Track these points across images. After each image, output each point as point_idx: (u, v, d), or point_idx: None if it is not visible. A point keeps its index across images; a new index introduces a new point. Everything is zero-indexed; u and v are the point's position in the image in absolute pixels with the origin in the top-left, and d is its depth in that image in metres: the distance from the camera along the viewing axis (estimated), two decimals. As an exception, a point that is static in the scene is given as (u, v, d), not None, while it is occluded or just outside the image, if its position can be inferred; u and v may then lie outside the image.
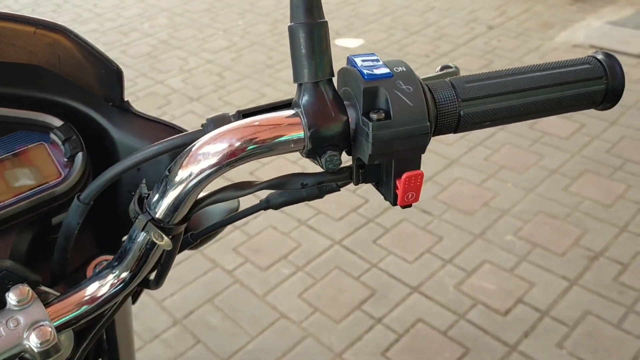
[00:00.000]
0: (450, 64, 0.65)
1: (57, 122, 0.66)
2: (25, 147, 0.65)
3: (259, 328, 2.08)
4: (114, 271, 0.56)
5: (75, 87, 0.68)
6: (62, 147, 0.66)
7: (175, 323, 2.11)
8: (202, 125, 0.55)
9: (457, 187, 2.66)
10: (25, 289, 0.54)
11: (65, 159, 0.65)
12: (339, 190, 0.57)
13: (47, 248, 0.66)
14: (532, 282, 2.17)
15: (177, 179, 0.50)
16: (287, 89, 3.52)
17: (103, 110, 0.67)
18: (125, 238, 0.73)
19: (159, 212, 0.51)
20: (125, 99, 0.67)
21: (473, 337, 2.00)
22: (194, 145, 0.50)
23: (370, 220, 2.50)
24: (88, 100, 0.68)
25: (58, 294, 0.59)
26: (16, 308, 0.53)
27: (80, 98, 0.68)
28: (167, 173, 0.51)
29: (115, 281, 0.56)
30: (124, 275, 0.56)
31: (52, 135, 0.66)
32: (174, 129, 0.66)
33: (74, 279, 0.63)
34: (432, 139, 0.50)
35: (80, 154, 0.65)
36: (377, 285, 2.20)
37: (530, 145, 2.88)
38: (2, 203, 0.62)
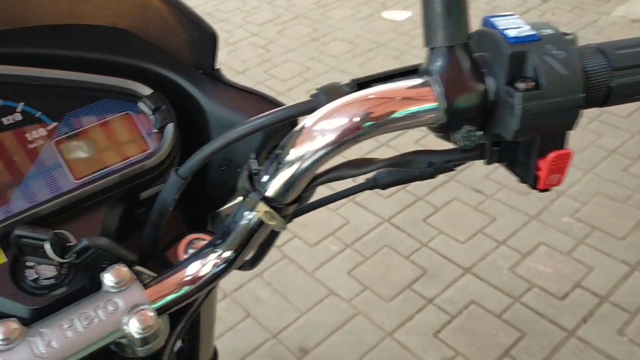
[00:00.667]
0: (567, 31, 0.59)
1: (146, 90, 0.62)
2: (112, 117, 0.62)
3: (308, 304, 2.06)
4: (216, 250, 0.53)
5: (163, 53, 0.64)
6: (151, 117, 0.62)
7: (225, 296, 2.11)
8: (311, 96, 0.50)
9: (511, 166, 2.57)
10: (123, 269, 0.52)
11: (155, 130, 0.62)
12: (454, 169, 0.53)
13: (132, 225, 0.63)
14: (590, 266, 2.10)
15: (291, 156, 0.46)
16: (334, 63, 3.45)
17: (192, 78, 0.63)
18: (211, 215, 0.70)
19: (271, 191, 0.47)
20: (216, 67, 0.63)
21: (529, 320, 1.94)
22: (310, 119, 0.46)
23: (420, 199, 2.44)
24: (176, 67, 0.63)
25: (154, 274, 0.56)
26: (114, 290, 0.51)
27: (169, 65, 0.63)
28: (280, 150, 0.47)
29: (218, 261, 0.52)
30: (226, 254, 0.52)
31: (140, 104, 0.62)
32: (267, 100, 0.62)
33: (164, 258, 0.60)
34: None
35: (170, 125, 0.62)
36: (427, 264, 2.16)
37: (587, 123, 2.76)
38: (90, 176, 0.59)
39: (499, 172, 2.53)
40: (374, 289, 2.09)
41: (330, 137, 0.44)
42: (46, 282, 0.54)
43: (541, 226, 2.26)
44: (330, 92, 0.49)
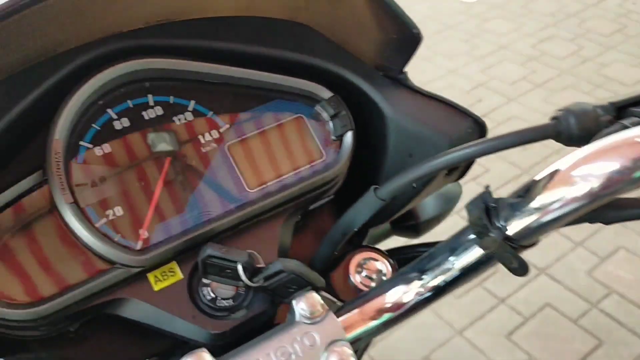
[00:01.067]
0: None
1: (326, 93, 0.56)
2: (284, 120, 0.56)
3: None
4: (422, 278, 0.47)
5: (345, 52, 0.57)
6: (328, 123, 0.56)
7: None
8: (553, 118, 0.43)
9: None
10: (315, 298, 0.46)
11: (334, 137, 0.56)
12: None
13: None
14: (674, 275, 1.99)
15: (546, 199, 0.39)
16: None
17: (375, 82, 0.56)
18: (373, 231, 0.65)
19: (512, 231, 0.41)
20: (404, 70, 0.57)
21: (607, 328, 1.86)
22: (574, 157, 0.39)
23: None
24: (359, 68, 0.57)
25: (336, 300, 0.51)
26: (308, 322, 0.46)
27: (350, 66, 0.57)
28: (529, 188, 0.40)
29: (422, 290, 0.47)
30: (434, 283, 0.46)
31: (318, 108, 0.56)
32: (458, 110, 0.55)
33: (328, 279, 0.55)
34: None
35: (349, 134, 0.56)
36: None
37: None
38: (264, 187, 0.54)
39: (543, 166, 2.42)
40: (443, 284, 2.03)
41: (603, 182, 0.37)
42: (225, 304, 0.50)
43: (621, 229, 2.16)
44: (580, 117, 0.42)
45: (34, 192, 0.48)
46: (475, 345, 1.85)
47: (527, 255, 0.43)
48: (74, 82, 0.49)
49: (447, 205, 0.74)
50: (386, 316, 0.47)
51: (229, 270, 0.47)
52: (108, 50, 0.51)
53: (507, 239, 0.41)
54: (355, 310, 0.48)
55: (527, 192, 0.40)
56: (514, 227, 0.41)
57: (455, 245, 0.45)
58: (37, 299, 0.46)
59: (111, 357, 0.54)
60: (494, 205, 0.42)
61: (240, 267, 0.45)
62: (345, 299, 0.55)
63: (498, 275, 2.04)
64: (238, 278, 0.47)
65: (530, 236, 0.41)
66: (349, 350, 0.45)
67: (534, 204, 0.40)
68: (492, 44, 3.27)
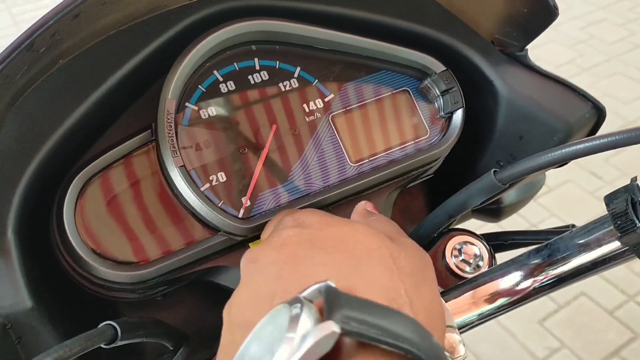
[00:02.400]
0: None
1: (438, 67, 0.53)
2: (389, 93, 0.54)
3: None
4: (547, 265, 0.44)
5: (462, 24, 0.54)
6: (438, 99, 0.54)
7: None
8: None
9: (635, 151, 2.40)
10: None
11: (442, 114, 0.54)
12: None
13: None
14: None
15: None
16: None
17: (490, 58, 0.54)
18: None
19: None
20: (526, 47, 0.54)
21: (644, 322, 1.84)
22: None
23: (530, 176, 2.31)
24: (475, 42, 0.54)
25: None
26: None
27: (466, 39, 0.54)
28: None
29: (543, 277, 0.45)
30: (558, 271, 0.44)
31: (428, 83, 0.54)
32: (578, 93, 0.52)
33: None
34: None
35: (460, 112, 0.53)
36: (535, 247, 2.06)
37: None
38: (367, 161, 0.52)
39: (621, 157, 2.37)
40: (478, 265, 2.01)
41: None
42: None
43: (663, 223, 2.11)
44: None
45: (141, 152, 0.47)
46: (506, 328, 1.84)
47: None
48: (183, 42, 0.48)
49: (530, 192, 0.71)
50: (500, 301, 0.45)
51: None
52: (217, 10, 0.49)
53: None
54: (464, 295, 0.46)
55: None
56: None
57: (587, 236, 0.43)
58: (141, 261, 0.45)
59: (195, 321, 0.53)
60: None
61: None
62: (438, 283, 0.53)
63: (534, 261, 2.01)
64: None
65: None
66: (457, 337, 0.43)
67: None
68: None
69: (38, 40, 0.36)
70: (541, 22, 0.50)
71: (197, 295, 0.54)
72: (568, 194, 2.25)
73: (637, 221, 0.39)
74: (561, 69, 2.86)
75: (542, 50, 2.99)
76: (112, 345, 0.37)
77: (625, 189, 0.40)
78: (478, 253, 0.54)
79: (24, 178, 0.41)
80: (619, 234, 0.40)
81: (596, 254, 0.42)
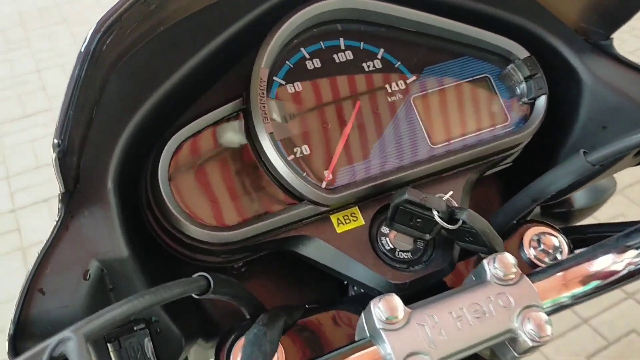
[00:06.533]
0: None
1: (522, 53, 0.53)
2: (470, 78, 0.54)
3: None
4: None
5: (545, 10, 0.54)
6: (520, 84, 0.53)
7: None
8: None
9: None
10: (510, 259, 0.44)
11: (525, 100, 0.53)
12: None
13: None
14: None
15: None
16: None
17: (575, 46, 0.53)
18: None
19: None
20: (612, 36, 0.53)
21: (698, 364, 1.75)
22: None
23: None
24: (559, 29, 0.54)
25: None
26: (501, 283, 0.43)
27: (550, 26, 0.54)
28: None
29: (638, 259, 0.43)
30: None
31: (510, 68, 0.53)
32: None
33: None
34: None
35: (543, 98, 0.53)
36: (583, 281, 1.99)
37: None
38: (446, 144, 0.52)
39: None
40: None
41: None
42: (403, 256, 0.48)
43: None
44: None
45: (231, 119, 0.48)
46: (553, 362, 1.78)
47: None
48: (273, 17, 0.49)
49: (601, 197, 0.70)
50: (593, 284, 0.44)
51: (419, 220, 0.45)
52: None
53: None
54: (554, 277, 0.45)
55: None
56: None
57: None
58: (228, 224, 0.46)
59: (270, 296, 0.54)
60: None
61: (436, 214, 0.43)
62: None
63: (582, 294, 1.95)
64: (425, 230, 0.46)
65: None
66: (545, 317, 0.42)
67: None
68: None
69: None
70: (629, 9, 0.50)
71: (273, 271, 0.54)
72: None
73: None
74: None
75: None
76: (203, 297, 0.38)
77: None
78: (557, 245, 0.53)
79: (124, 133, 0.43)
80: None
81: None
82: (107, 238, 0.40)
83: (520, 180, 0.55)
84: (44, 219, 2.22)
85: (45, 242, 0.39)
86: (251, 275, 0.53)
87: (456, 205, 0.46)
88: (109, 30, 0.34)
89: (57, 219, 0.40)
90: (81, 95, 0.35)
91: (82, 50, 0.34)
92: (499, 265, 0.43)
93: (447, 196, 0.46)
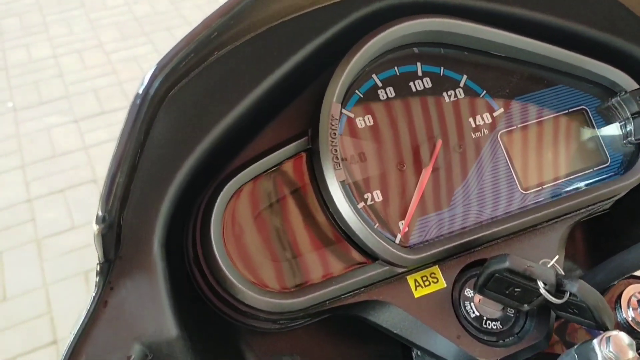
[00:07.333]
0: None
1: (630, 85, 0.46)
2: (564, 111, 0.46)
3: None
4: None
5: None
6: (628, 120, 0.46)
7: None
8: None
9: None
10: (625, 341, 0.37)
11: (632, 140, 0.46)
12: None
13: None
14: None
15: None
16: None
17: None
18: None
19: None
20: None
21: None
22: None
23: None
24: None
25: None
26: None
27: None
28: None
29: None
30: None
31: (614, 102, 0.46)
32: None
33: None
34: None
35: None
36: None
37: None
38: (539, 190, 0.44)
39: None
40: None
41: None
42: (492, 326, 0.41)
43: None
44: None
45: (293, 160, 0.41)
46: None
47: None
48: (343, 41, 0.42)
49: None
50: None
51: (517, 289, 0.38)
52: (381, 6, 0.43)
53: None
54: None
55: None
56: None
57: None
58: (290, 287, 0.39)
59: (326, 357, 0.47)
60: None
61: (542, 286, 0.36)
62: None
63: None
64: (524, 300, 0.38)
65: None
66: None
67: None
68: None
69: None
70: None
71: (331, 330, 0.47)
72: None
73: None
74: None
75: None
76: None
77: None
78: None
79: (174, 183, 0.35)
80: None
81: None
82: (153, 315, 0.33)
83: (612, 220, 0.47)
84: (59, 209, 2.17)
85: (78, 321, 0.32)
86: (306, 333, 0.47)
87: (563, 273, 0.39)
88: (169, 76, 0.27)
89: (94, 294, 0.32)
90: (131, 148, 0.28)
91: (138, 101, 0.27)
92: (614, 349, 0.36)
93: (552, 262, 0.38)
